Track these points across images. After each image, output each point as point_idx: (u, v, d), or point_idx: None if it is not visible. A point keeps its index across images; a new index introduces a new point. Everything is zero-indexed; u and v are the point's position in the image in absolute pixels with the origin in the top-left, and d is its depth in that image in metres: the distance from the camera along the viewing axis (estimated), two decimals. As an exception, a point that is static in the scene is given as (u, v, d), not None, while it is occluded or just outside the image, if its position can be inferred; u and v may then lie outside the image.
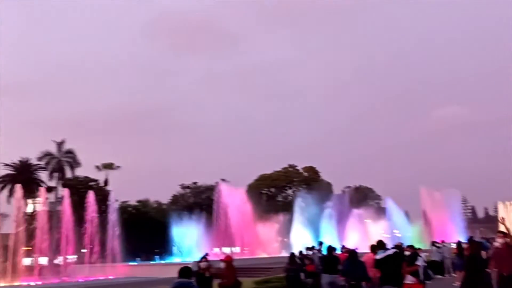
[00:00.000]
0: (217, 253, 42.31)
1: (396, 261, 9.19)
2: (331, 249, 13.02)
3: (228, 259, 13.31)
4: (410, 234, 55.91)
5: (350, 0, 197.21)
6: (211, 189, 65.68)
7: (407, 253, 15.96)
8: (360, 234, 51.87)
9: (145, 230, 57.72)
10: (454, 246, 21.30)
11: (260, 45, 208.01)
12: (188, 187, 77.44)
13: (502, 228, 11.01)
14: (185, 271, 7.11)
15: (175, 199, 76.45)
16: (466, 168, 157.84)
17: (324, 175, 78.22)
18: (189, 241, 51.22)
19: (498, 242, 13.88)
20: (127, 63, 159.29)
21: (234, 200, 53.11)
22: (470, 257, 11.79)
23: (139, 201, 71.02)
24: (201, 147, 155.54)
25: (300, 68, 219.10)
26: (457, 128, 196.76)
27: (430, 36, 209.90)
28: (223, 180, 62.26)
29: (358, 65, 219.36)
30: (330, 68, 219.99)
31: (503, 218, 15.37)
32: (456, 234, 48.13)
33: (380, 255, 9.89)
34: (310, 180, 74.08)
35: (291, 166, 76.63)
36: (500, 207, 78.94)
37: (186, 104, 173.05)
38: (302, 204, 57.89)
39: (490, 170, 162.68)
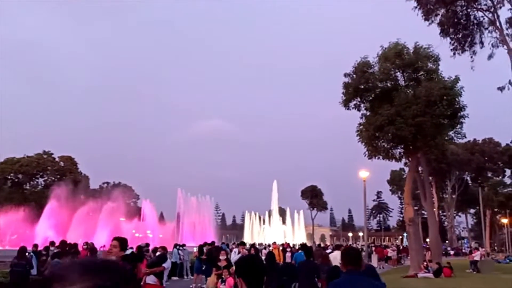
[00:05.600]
0: None
1: (131, 261, 8.93)
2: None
3: None
4: (162, 235, 57.30)
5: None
6: None
7: (158, 253, 16.09)
8: (112, 232, 50.49)
9: None
10: (195, 250, 22.45)
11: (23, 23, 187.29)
12: None
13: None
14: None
15: None
16: (221, 177, 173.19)
17: (82, 168, 74.38)
18: None
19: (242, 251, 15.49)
20: None
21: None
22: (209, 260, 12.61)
23: None
24: None
25: (75, 58, 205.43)
26: (216, 140, 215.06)
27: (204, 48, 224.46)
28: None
29: (130, 67, 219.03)
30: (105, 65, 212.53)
31: None
32: (206, 238, 51.51)
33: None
34: (66, 171, 68.82)
35: (46, 153, 69.69)
36: (247, 216, 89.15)
37: None
38: (55, 195, 53.27)
39: (240, 182, 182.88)
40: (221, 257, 12.85)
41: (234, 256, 16.23)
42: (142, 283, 10.60)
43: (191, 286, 18.72)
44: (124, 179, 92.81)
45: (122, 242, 6.83)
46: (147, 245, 19.90)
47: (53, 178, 68.32)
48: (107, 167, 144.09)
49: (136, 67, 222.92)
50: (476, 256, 30.76)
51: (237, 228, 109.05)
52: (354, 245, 55.97)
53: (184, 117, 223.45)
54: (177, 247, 23.62)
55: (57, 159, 70.78)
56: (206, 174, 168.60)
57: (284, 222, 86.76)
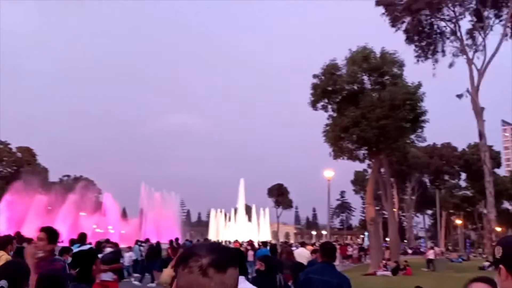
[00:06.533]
0: None
1: (88, 257, 8.72)
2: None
3: None
4: (124, 231, 56.19)
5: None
6: None
7: (108, 249, 15.69)
8: (71, 227, 49.14)
9: None
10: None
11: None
12: None
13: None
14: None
15: None
16: (187, 174, 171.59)
17: (42, 159, 72.21)
18: None
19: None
20: None
21: None
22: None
23: None
24: None
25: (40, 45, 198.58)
26: (183, 136, 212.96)
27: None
28: None
29: (97, 55, 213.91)
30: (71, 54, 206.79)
31: None
32: (170, 235, 50.62)
33: (73, 250, 9.29)
34: (24, 162, 66.47)
35: (2, 143, 66.95)
36: (212, 213, 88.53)
37: None
38: (11, 187, 51.45)
39: (207, 179, 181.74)
40: None
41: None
42: (97, 281, 10.26)
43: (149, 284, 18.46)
44: (86, 172, 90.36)
45: (51, 234, 5.57)
46: (107, 241, 19.50)
47: (9, 170, 65.93)
48: (68, 160, 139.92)
49: (103, 57, 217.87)
50: (430, 255, 31.75)
51: (202, 225, 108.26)
52: (318, 244, 56.78)
53: (150, 110, 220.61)
54: (139, 243, 23.28)
55: (14, 150, 68.27)
56: (171, 169, 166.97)
57: (250, 219, 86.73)
